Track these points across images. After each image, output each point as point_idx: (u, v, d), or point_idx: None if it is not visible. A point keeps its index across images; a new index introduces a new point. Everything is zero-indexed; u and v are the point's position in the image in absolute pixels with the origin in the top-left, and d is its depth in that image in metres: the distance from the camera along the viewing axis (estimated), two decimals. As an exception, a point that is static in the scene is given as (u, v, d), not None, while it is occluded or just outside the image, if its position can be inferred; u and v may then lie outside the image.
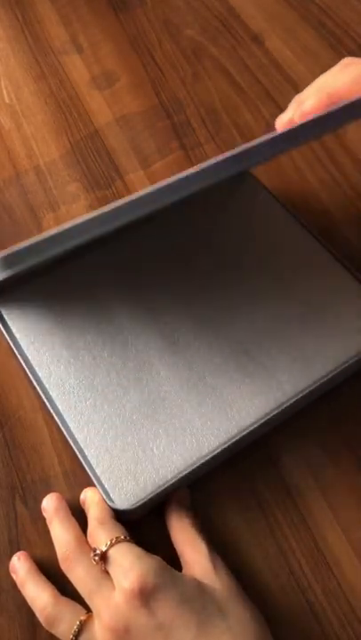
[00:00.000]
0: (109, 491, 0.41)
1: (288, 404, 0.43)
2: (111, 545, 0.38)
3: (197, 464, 0.41)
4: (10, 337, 0.48)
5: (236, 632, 0.35)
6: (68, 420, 0.44)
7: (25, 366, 0.46)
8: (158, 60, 0.68)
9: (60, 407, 0.44)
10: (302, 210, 0.53)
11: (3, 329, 0.48)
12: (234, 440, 0.42)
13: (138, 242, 0.52)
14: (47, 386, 0.45)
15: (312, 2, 0.72)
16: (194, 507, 0.42)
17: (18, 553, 0.41)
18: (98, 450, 0.42)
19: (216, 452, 0.42)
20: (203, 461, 0.41)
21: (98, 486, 0.41)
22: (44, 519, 0.42)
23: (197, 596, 0.36)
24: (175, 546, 0.40)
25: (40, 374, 0.46)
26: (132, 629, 0.35)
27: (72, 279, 0.50)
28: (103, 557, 0.37)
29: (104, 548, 0.37)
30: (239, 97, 0.64)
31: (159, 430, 0.43)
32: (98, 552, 0.37)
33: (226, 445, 0.42)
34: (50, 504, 0.42)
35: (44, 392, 0.45)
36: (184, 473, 0.41)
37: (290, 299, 0.48)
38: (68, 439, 0.43)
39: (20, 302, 0.49)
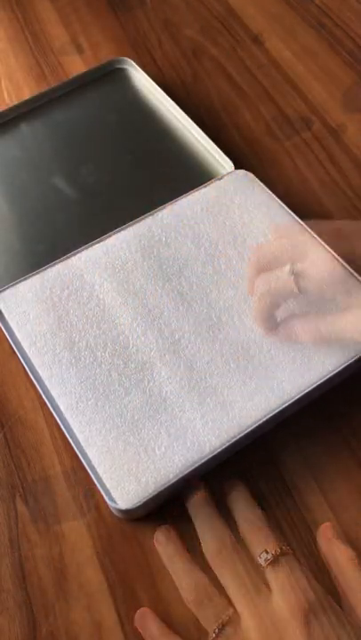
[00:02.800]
0: (111, 491, 0.41)
1: (288, 403, 0.43)
2: (283, 553, 0.37)
3: (198, 464, 0.41)
4: (11, 337, 0.48)
5: None
6: (69, 420, 0.44)
7: (26, 366, 0.46)
8: (158, 61, 0.68)
9: (61, 407, 0.44)
10: (302, 210, 0.53)
11: (4, 329, 0.48)
12: (234, 440, 0.42)
13: (138, 241, 0.52)
14: (49, 386, 0.45)
15: (312, 2, 0.72)
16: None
17: (162, 527, 0.41)
18: (99, 450, 0.42)
19: (217, 452, 0.42)
20: (204, 461, 0.42)
21: (99, 486, 0.41)
22: (44, 518, 0.42)
23: None
24: (341, 586, 0.38)
25: (42, 374, 0.46)
26: None
27: (74, 280, 0.50)
28: (272, 562, 0.37)
29: (274, 553, 0.37)
30: (239, 97, 0.65)
31: (160, 430, 0.43)
32: (270, 554, 0.37)
33: (227, 445, 0.42)
34: (195, 498, 0.41)
35: (45, 392, 0.45)
36: (185, 473, 0.41)
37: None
38: (70, 439, 0.43)
39: (21, 303, 0.49)
